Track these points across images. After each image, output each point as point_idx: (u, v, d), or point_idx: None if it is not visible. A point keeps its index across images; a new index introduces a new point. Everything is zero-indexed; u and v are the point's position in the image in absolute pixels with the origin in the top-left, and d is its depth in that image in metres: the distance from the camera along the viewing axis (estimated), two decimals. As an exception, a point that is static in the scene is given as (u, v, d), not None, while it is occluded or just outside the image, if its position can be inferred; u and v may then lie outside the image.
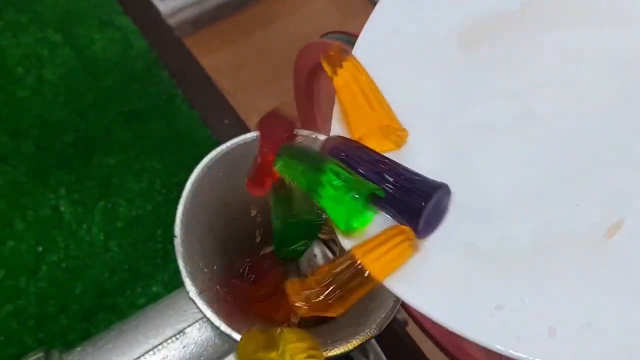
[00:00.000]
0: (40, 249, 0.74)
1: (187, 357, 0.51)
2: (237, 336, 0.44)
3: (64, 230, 0.76)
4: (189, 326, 0.52)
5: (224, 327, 0.44)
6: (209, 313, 0.45)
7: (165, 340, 0.51)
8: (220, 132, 0.85)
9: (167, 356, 0.51)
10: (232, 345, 0.52)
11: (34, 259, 0.74)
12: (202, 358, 0.51)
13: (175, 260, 0.73)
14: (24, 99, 0.86)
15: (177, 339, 0.51)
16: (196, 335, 0.51)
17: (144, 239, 0.76)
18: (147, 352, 0.50)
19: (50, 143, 0.82)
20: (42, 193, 0.78)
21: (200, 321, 0.52)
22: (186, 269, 0.47)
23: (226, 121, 0.87)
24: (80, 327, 0.70)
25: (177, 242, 0.49)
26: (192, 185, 0.51)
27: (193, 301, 0.46)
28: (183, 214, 0.50)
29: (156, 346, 0.50)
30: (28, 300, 0.71)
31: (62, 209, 0.77)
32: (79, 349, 0.52)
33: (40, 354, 0.49)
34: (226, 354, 0.52)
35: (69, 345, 0.65)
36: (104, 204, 0.78)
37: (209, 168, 0.52)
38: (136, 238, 0.76)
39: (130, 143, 0.83)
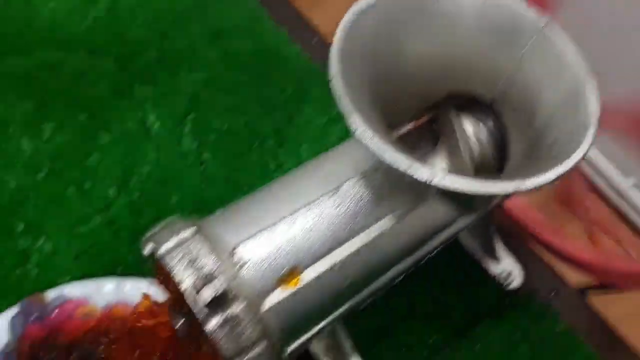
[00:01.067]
0: (129, 161, 0.68)
1: (341, 214, 0.45)
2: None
3: (153, 143, 0.70)
4: (343, 183, 0.45)
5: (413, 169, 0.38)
6: (389, 154, 0.39)
7: (319, 198, 0.45)
8: (310, 50, 0.80)
9: (322, 213, 0.44)
10: (387, 206, 0.46)
11: (122, 171, 0.68)
12: (357, 218, 0.45)
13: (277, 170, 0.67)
14: (99, 19, 0.81)
15: (331, 195, 0.45)
16: (351, 192, 0.45)
17: (240, 152, 0.70)
18: (300, 208, 0.44)
19: (132, 60, 0.77)
20: (126, 107, 0.73)
21: (355, 178, 0.46)
22: (354, 107, 0.41)
23: (314, 40, 0.82)
24: (179, 237, 0.64)
25: (335, 82, 0.42)
26: (346, 27, 0.45)
27: (365, 145, 0.39)
28: (338, 56, 0.44)
29: (310, 203, 0.44)
30: (120, 212, 0.65)
31: (150, 122, 0.72)
32: (222, 211, 0.46)
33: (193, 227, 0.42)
34: (381, 216, 0.46)
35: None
36: (194, 117, 0.72)
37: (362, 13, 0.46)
38: (232, 150, 0.70)
39: (216, 60, 0.78)
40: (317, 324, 0.44)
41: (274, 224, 0.43)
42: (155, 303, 0.53)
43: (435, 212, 0.47)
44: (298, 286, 0.42)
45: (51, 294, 0.57)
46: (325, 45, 0.81)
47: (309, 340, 0.45)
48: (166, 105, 0.73)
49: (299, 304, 0.43)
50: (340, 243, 0.44)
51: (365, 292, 0.46)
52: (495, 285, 0.60)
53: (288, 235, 0.43)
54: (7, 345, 0.54)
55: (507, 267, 0.61)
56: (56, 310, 0.56)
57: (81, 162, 0.68)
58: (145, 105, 0.73)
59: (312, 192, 0.45)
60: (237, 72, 0.77)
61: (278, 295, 0.42)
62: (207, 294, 0.38)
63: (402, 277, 0.49)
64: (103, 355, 0.53)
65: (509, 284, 0.60)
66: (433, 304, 0.59)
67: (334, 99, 0.40)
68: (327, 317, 0.45)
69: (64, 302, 0.57)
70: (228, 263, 0.41)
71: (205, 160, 0.69)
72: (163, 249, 0.41)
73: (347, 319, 0.54)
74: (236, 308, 0.39)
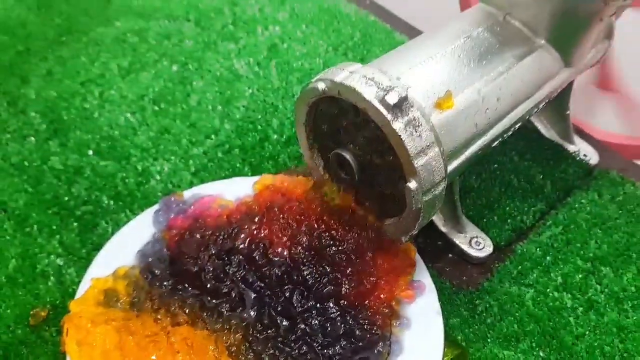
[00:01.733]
0: (226, 97, 0.75)
1: (477, 53, 0.52)
2: None
3: (244, 83, 0.76)
4: (474, 31, 0.53)
5: None
6: None
7: (458, 41, 0.52)
8: (366, 8, 0.89)
9: (462, 51, 0.52)
10: (508, 50, 0.54)
11: (222, 104, 0.74)
12: (488, 56, 0.52)
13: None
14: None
15: (467, 39, 0.53)
16: (481, 37, 0.53)
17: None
18: (446, 49, 0.51)
19: (210, 24, 0.85)
20: (213, 59, 0.80)
21: (481, 28, 0.54)
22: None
23: (367, 1, 0.91)
24: (287, 150, 0.69)
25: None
26: None
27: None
28: None
29: (452, 45, 0.52)
30: (228, 135, 0.70)
31: (238, 68, 0.78)
32: (376, 59, 0.53)
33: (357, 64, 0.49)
34: (506, 56, 0.53)
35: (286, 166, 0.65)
36: (277, 62, 0.79)
37: None
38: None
39: (286, 20, 0.86)
40: (469, 146, 0.51)
41: (427, 60, 0.50)
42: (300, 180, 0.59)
43: (543, 59, 0.55)
44: (453, 108, 0.49)
45: (188, 194, 0.62)
46: (377, 5, 0.91)
47: (463, 165, 0.51)
48: (250, 55, 0.80)
49: (455, 124, 0.49)
50: (481, 76, 0.51)
51: (499, 127, 0.53)
52: (576, 163, 0.67)
53: (440, 67, 0.50)
54: (153, 235, 0.58)
55: (583, 148, 0.69)
56: (194, 205, 0.60)
57: (182, 102, 0.74)
58: (230, 56, 0.80)
59: (452, 39, 0.52)
60: (306, 27, 0.85)
61: (437, 116, 0.48)
62: (393, 97, 0.45)
63: (518, 125, 0.56)
64: (254, 232, 0.57)
65: (587, 161, 0.68)
66: (527, 183, 0.66)
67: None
68: (476, 140, 0.51)
69: (199, 198, 0.61)
70: (398, 83, 0.47)
71: (296, 92, 0.76)
72: (339, 78, 0.47)
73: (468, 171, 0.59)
74: (415, 113, 0.46)
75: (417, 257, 0.57)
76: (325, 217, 0.56)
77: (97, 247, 0.59)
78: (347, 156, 0.52)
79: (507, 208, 0.64)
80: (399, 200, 0.51)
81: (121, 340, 0.51)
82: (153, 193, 0.65)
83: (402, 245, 0.57)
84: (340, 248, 0.55)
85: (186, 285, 0.55)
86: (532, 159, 0.68)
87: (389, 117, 0.45)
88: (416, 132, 0.45)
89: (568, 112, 0.67)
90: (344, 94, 0.47)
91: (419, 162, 0.45)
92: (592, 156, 0.69)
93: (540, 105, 0.57)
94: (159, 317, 0.52)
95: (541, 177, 0.67)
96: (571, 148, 0.69)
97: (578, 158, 0.68)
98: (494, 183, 0.66)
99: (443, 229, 0.61)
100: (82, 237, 0.61)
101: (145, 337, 0.51)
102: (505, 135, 0.54)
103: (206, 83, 0.76)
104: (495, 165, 0.68)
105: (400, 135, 0.45)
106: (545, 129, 0.71)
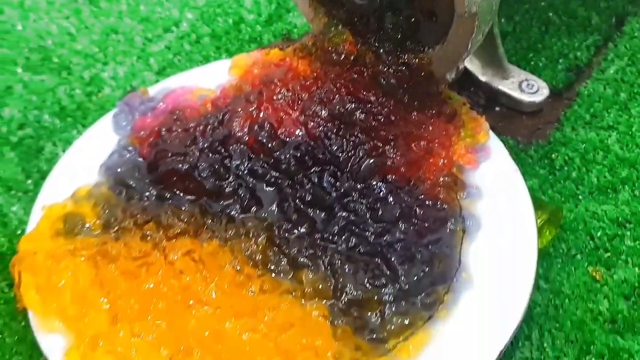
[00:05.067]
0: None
1: None
2: None
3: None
4: None
5: None
6: None
7: None
8: None
9: None
10: None
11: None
12: None
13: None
14: None
15: None
16: None
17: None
18: None
19: None
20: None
21: None
22: None
23: None
24: (271, 29, 0.55)
25: None
26: None
27: None
28: None
29: None
30: (191, 25, 0.56)
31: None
32: None
33: None
34: None
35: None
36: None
37: None
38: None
39: None
40: None
41: None
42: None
43: None
44: None
45: (153, 90, 0.47)
46: None
47: None
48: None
49: None
50: None
51: None
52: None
53: None
54: (118, 143, 0.43)
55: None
56: (164, 100, 0.46)
57: (126, -2, 0.58)
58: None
59: None
60: None
61: None
62: None
63: None
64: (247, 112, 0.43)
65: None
66: (569, 18, 0.53)
67: None
68: None
69: (170, 92, 0.46)
70: None
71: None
72: None
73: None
74: None
75: (470, 112, 0.44)
76: (343, 75, 0.42)
77: (46, 175, 0.44)
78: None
79: (555, 47, 0.52)
80: (435, 21, 0.38)
81: (99, 272, 0.36)
82: (110, 102, 0.50)
83: (449, 97, 0.43)
84: (373, 109, 0.41)
85: (175, 191, 0.40)
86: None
87: None
88: None
89: None
90: None
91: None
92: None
93: None
94: (147, 233, 0.37)
95: (584, 9, 0.54)
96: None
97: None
98: (531, 24, 0.54)
99: (483, 79, 0.48)
100: (24, 166, 0.46)
101: (132, 261, 0.36)
102: None
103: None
104: (527, 6, 0.55)
105: None
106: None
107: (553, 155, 0.45)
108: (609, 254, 0.40)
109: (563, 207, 0.42)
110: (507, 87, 0.48)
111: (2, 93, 0.51)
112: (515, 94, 0.48)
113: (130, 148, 0.43)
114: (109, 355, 0.34)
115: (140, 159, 0.42)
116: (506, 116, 0.48)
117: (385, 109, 0.41)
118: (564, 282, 0.39)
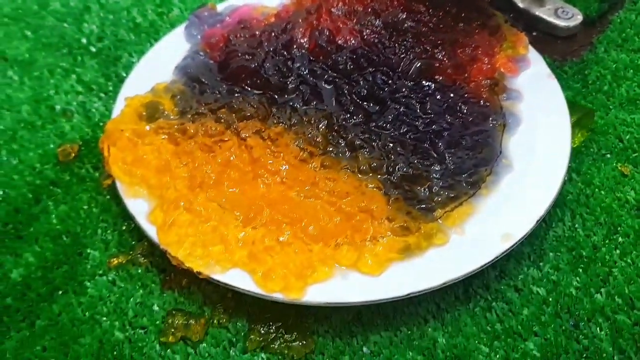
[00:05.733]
0: None
1: None
2: None
3: None
4: None
5: None
6: None
7: None
8: None
9: None
10: None
11: None
12: None
13: None
14: None
15: None
16: None
17: None
18: None
19: None
20: None
21: None
22: None
23: None
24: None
25: None
26: None
27: None
28: None
29: None
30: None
31: None
32: None
33: None
34: None
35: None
36: None
37: None
38: None
39: None
40: None
41: None
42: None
43: None
44: None
45: (221, 7, 0.51)
46: None
47: None
48: None
49: None
50: None
51: None
52: None
53: None
54: (190, 49, 0.48)
55: None
56: (231, 15, 0.50)
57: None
58: None
59: None
60: None
61: None
62: None
63: None
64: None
65: None
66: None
67: None
68: None
69: (235, 9, 0.51)
70: None
71: None
72: None
73: None
74: None
75: (511, 28, 0.48)
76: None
77: (124, 79, 0.48)
78: None
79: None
80: None
81: (179, 148, 0.41)
82: (180, 21, 0.55)
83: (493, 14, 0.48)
84: (423, 18, 0.46)
85: (244, 86, 0.45)
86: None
87: None
88: None
89: None
90: None
91: None
92: None
93: None
94: (220, 116, 0.42)
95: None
96: None
97: None
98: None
99: (522, 5, 0.52)
100: (105, 72, 0.51)
101: (208, 138, 0.41)
102: None
103: None
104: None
105: None
106: None
107: (586, 72, 0.49)
108: (636, 154, 0.44)
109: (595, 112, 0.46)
110: (544, 13, 0.52)
111: (81, 11, 0.56)
112: (551, 19, 0.52)
113: (201, 53, 0.48)
114: (188, 214, 0.38)
115: (211, 62, 0.47)
116: (543, 40, 0.52)
117: (435, 18, 0.46)
118: (595, 175, 0.43)
